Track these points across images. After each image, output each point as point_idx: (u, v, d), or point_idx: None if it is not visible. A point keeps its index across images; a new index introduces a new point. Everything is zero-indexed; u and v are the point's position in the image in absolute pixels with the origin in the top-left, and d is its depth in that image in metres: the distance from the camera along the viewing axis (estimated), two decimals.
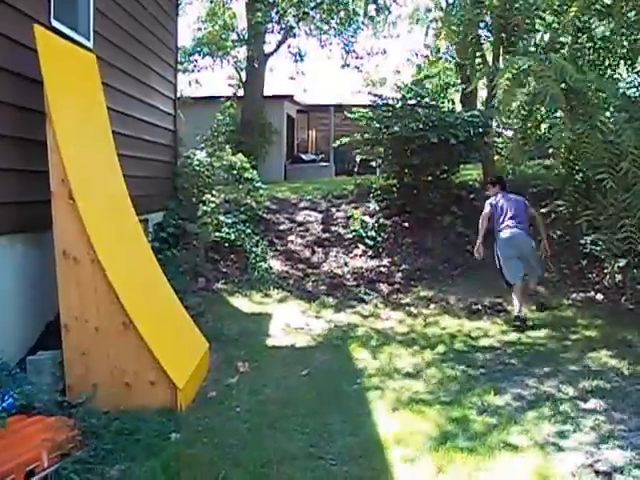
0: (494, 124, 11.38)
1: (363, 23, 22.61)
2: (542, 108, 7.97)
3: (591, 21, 7.60)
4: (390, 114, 11.71)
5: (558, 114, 8.03)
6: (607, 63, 7.98)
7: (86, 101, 6.09)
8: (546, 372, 6.07)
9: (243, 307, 8.47)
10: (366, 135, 12.05)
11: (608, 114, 7.01)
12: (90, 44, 6.72)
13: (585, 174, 7.91)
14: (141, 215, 6.89)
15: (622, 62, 8.20)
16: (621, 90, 8.17)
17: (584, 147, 7.23)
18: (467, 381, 5.87)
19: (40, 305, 5.50)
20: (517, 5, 8.09)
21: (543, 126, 8.68)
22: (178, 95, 11.46)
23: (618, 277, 9.08)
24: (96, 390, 4.70)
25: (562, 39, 8.08)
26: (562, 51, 7.80)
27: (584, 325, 7.78)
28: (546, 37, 7.92)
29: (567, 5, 7.64)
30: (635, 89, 8.51)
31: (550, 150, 8.42)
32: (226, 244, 10.13)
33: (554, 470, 4.06)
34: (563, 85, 7.09)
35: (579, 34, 7.60)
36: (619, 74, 8.55)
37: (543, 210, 9.19)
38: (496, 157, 12.22)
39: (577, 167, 8.31)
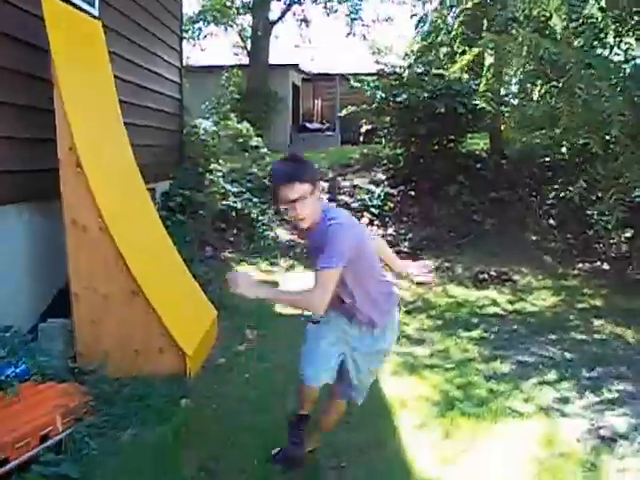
0: (502, 92, 11.32)
1: None
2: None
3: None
4: (397, 83, 11.65)
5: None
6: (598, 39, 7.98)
7: (93, 69, 6.06)
8: (551, 340, 6.12)
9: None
10: (373, 105, 12.01)
11: (599, 84, 7.01)
12: (96, 12, 6.67)
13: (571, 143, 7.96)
14: (148, 184, 6.88)
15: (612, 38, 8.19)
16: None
17: (567, 115, 7.29)
18: (473, 348, 5.92)
19: (50, 273, 5.53)
20: None
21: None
22: (183, 64, 11.39)
23: (624, 247, 9.11)
24: (106, 357, 4.75)
25: (551, 22, 8.12)
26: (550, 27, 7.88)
27: (590, 294, 7.82)
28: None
29: None
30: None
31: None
32: (233, 213, 10.16)
33: (559, 435, 4.11)
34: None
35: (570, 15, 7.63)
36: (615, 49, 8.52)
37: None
38: (503, 126, 12.17)
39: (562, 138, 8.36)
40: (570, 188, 8.54)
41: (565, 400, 4.70)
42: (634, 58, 8.06)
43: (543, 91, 8.19)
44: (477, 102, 10.69)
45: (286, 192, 3.10)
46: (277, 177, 3.21)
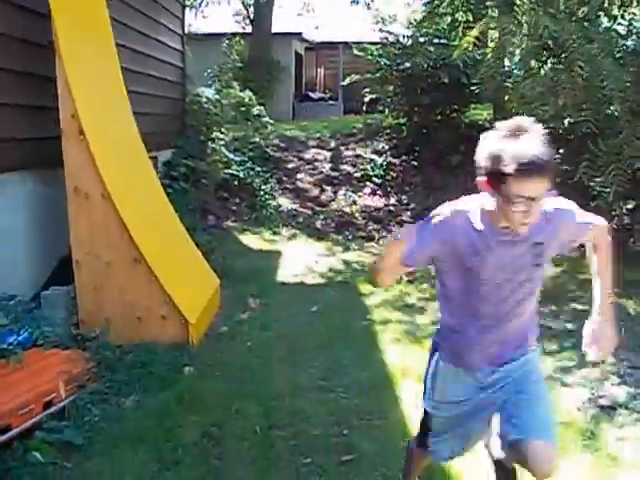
0: (506, 63, 11.21)
1: None
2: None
3: None
4: (400, 52, 11.54)
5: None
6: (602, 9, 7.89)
7: (95, 36, 6.00)
8: (552, 310, 6.13)
9: (253, 245, 8.52)
10: (376, 74, 11.92)
11: (600, 60, 6.93)
12: None
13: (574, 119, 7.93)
14: (150, 152, 6.84)
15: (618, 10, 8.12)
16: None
17: (567, 92, 7.24)
18: None
19: (53, 241, 5.53)
20: None
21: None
22: (185, 31, 11.28)
23: (626, 219, 9.08)
24: (109, 324, 4.77)
25: None
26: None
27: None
28: None
29: None
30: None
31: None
32: (235, 182, 10.14)
33: (559, 405, 4.12)
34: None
35: None
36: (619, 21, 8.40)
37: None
38: (506, 97, 12.06)
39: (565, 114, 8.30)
40: (576, 160, 8.50)
41: (565, 370, 4.72)
42: (638, 31, 8.00)
43: (544, 67, 8.15)
44: (480, 74, 10.69)
45: (531, 187, 2.08)
46: (525, 164, 2.08)
